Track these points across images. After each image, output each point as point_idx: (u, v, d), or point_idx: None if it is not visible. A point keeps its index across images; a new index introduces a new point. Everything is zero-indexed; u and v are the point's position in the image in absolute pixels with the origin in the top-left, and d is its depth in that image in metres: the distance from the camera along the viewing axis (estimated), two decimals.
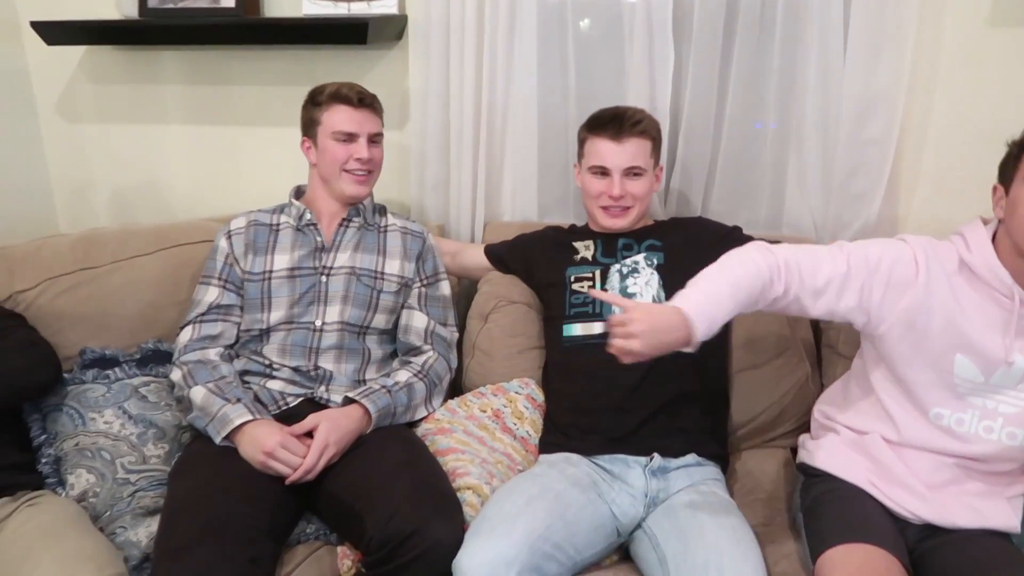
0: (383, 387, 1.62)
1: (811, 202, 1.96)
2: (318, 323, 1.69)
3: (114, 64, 2.24)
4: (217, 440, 1.50)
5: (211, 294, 1.70)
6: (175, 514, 1.39)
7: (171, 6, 2.07)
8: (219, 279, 1.71)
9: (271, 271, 1.72)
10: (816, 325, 1.83)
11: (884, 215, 1.92)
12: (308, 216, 1.76)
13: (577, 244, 1.79)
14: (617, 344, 1.28)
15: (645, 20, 1.90)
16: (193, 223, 1.98)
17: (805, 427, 1.67)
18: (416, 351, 1.74)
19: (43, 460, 1.57)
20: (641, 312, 1.29)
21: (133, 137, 2.29)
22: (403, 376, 1.67)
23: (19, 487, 1.51)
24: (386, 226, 1.81)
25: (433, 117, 2.03)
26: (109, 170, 2.33)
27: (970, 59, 1.84)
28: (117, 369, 1.72)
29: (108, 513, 1.50)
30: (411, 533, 1.31)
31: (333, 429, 1.51)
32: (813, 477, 1.51)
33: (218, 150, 2.26)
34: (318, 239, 1.75)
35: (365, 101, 1.73)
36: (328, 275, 1.72)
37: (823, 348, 1.78)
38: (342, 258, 1.74)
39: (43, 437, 1.60)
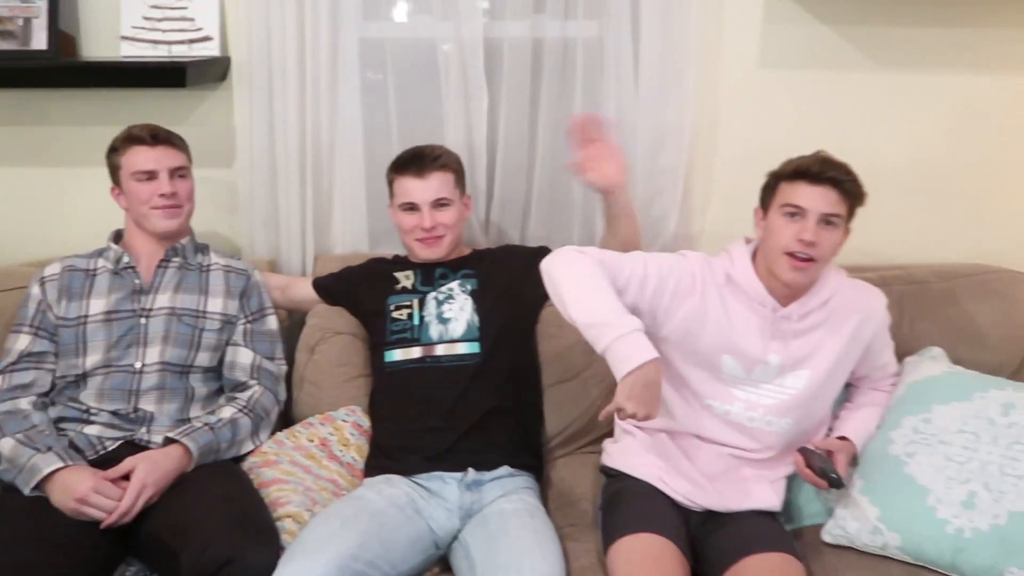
0: (206, 424, 1.65)
1: None
2: (137, 365, 1.70)
3: None
4: (26, 491, 1.49)
5: (22, 342, 1.68)
6: None
7: None
8: (31, 326, 1.70)
9: (87, 316, 1.71)
10: None
11: (680, 234, 2.12)
12: (126, 259, 1.77)
13: (398, 274, 1.89)
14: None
15: (459, 63, 2.03)
16: (7, 269, 1.94)
17: (611, 433, 1.82)
18: (242, 387, 1.78)
19: None
20: (625, 392, 1.37)
21: None
22: (227, 412, 1.70)
23: None
24: (208, 265, 1.84)
25: (259, 155, 2.08)
26: None
27: (744, 96, 2.08)
28: None
29: None
30: (226, 562, 1.35)
31: (151, 470, 1.52)
32: (611, 477, 1.67)
33: (37, 193, 2.21)
34: (136, 282, 1.76)
35: (160, 137, 1.75)
36: (148, 316, 1.73)
37: None
38: (162, 299, 1.76)
39: None
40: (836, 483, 1.49)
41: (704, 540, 1.53)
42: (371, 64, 2.10)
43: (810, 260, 1.48)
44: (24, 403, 1.63)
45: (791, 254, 1.49)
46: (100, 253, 1.80)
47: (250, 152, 2.10)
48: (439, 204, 1.81)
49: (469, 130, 2.07)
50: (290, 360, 1.92)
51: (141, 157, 1.73)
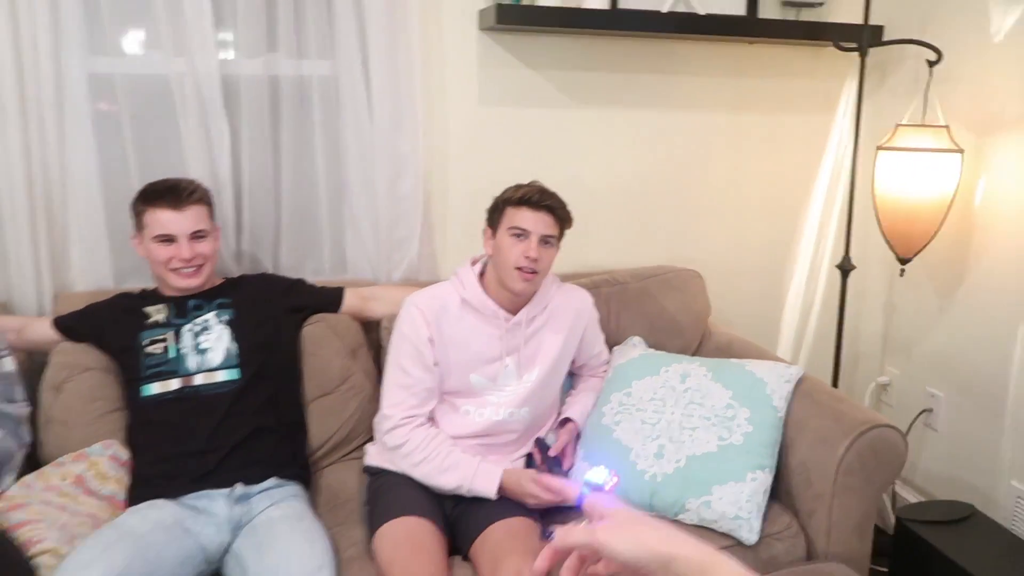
0: None
1: (366, 248, 2.31)
2: None
3: None
4: None
5: None
6: None
7: None
8: None
9: None
10: (379, 350, 2.16)
11: (424, 253, 2.34)
12: None
13: (149, 309, 1.91)
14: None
15: (196, 99, 2.08)
16: None
17: (371, 438, 1.98)
18: None
19: None
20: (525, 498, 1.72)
21: None
22: None
23: None
24: None
25: None
26: None
27: (469, 129, 2.36)
28: None
29: None
30: None
31: None
32: (373, 475, 1.84)
33: None
34: None
35: None
36: None
37: (384, 370, 2.12)
38: None
39: None
40: (554, 465, 1.81)
41: (457, 518, 1.74)
42: (103, 98, 2.09)
43: (534, 272, 1.77)
44: None
45: (520, 268, 1.76)
46: None
47: None
48: (197, 236, 1.87)
49: (212, 162, 2.13)
50: (34, 402, 1.85)
51: None
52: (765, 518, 1.75)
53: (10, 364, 1.81)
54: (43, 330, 1.93)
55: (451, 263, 2.42)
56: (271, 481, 1.77)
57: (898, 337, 2.64)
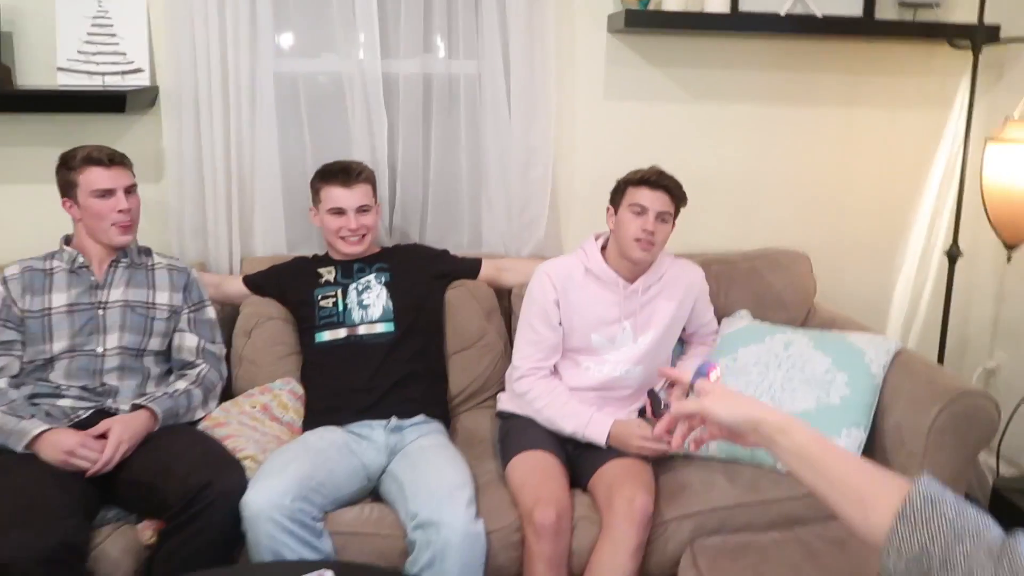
0: (165, 393, 1.96)
1: (499, 227, 2.60)
2: (99, 349, 1.98)
3: None
4: (19, 448, 1.75)
5: None
6: None
7: None
8: None
9: (50, 308, 1.98)
10: (509, 317, 2.45)
11: (550, 232, 2.61)
12: (80, 260, 2.04)
13: (321, 270, 2.26)
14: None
15: (362, 94, 2.43)
16: None
17: (503, 388, 2.27)
18: (190, 365, 2.09)
19: None
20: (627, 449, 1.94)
21: None
22: (181, 385, 2.01)
23: None
24: (153, 264, 2.14)
25: (188, 173, 2.39)
26: None
27: (593, 123, 2.62)
28: None
29: None
30: (206, 484, 1.68)
31: (124, 428, 1.82)
32: (504, 419, 2.13)
33: None
34: (92, 279, 2.04)
35: (115, 159, 2.00)
36: (104, 308, 2.02)
37: (512, 332, 2.40)
38: (116, 293, 2.05)
39: None
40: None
41: (577, 456, 2.00)
42: (285, 93, 2.47)
43: (652, 244, 2.01)
44: (1, 383, 1.88)
45: (638, 240, 2.00)
46: (53, 255, 2.06)
47: (179, 171, 2.40)
48: (362, 209, 2.22)
49: (373, 149, 2.48)
50: (228, 344, 2.24)
51: (99, 176, 1.98)
52: None
53: (211, 312, 2.20)
54: (236, 286, 2.32)
55: (573, 241, 2.68)
56: (420, 417, 2.09)
57: (1007, 323, 2.70)
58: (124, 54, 2.38)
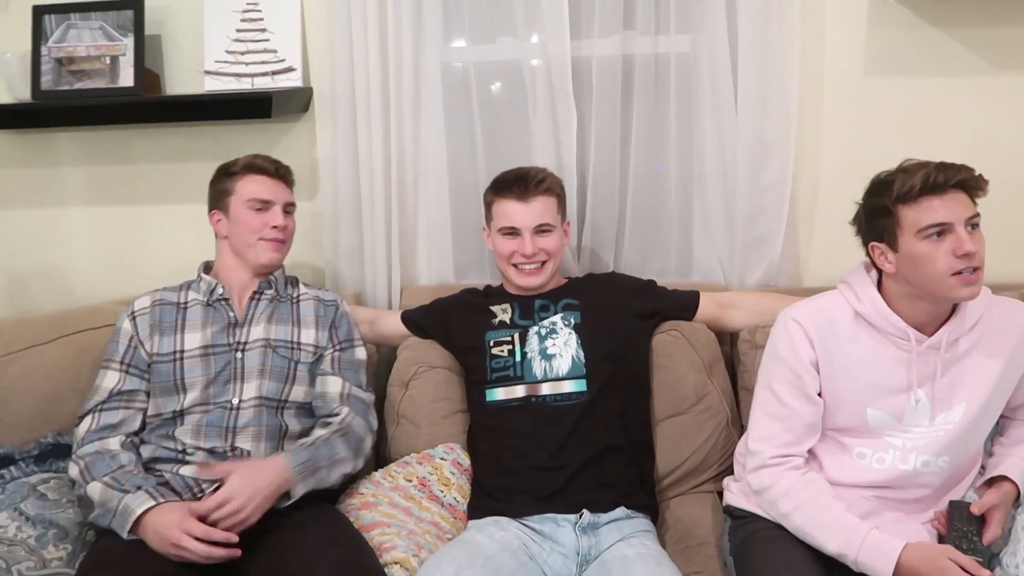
0: (302, 444, 1.58)
1: (717, 248, 2.03)
2: (235, 401, 1.63)
3: (8, 148, 2.18)
4: (123, 535, 1.42)
5: (111, 379, 1.63)
6: None
7: (66, 87, 2.03)
8: (121, 363, 1.65)
9: (182, 351, 1.66)
10: (733, 370, 1.86)
11: (787, 254, 2.00)
12: (220, 291, 1.72)
13: (494, 308, 1.79)
14: None
15: (546, 84, 1.96)
16: (94, 307, 1.90)
17: (729, 470, 1.69)
18: (332, 414, 1.69)
19: None
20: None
21: (29, 221, 2.21)
22: (322, 432, 1.62)
23: None
24: (299, 296, 1.79)
25: (344, 185, 2.04)
26: (4, 257, 2.23)
27: (849, 106, 1.97)
28: (13, 468, 1.62)
29: None
30: None
31: (245, 484, 1.43)
32: (739, 519, 1.53)
33: (121, 230, 2.20)
34: (231, 314, 1.70)
35: (280, 171, 1.77)
36: (243, 351, 1.67)
37: (740, 391, 1.82)
38: (256, 331, 1.70)
39: None
40: (973, 552, 1.34)
41: None
42: (454, 90, 2.04)
43: (977, 269, 1.36)
44: (113, 443, 1.57)
45: (958, 273, 1.36)
46: (189, 285, 1.75)
47: (334, 183, 2.05)
48: (541, 230, 1.73)
49: (559, 152, 2.00)
50: (382, 395, 1.84)
51: (260, 186, 1.73)
52: None
53: (362, 353, 1.80)
54: (393, 323, 1.91)
55: (815, 267, 2.05)
56: (619, 511, 1.56)
57: None
58: (275, 51, 2.05)
